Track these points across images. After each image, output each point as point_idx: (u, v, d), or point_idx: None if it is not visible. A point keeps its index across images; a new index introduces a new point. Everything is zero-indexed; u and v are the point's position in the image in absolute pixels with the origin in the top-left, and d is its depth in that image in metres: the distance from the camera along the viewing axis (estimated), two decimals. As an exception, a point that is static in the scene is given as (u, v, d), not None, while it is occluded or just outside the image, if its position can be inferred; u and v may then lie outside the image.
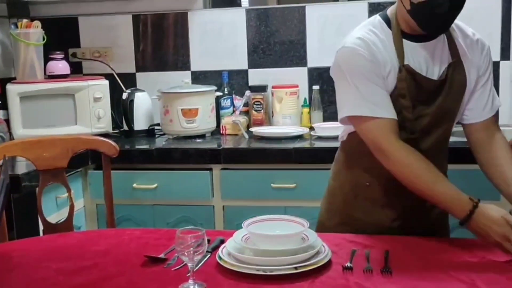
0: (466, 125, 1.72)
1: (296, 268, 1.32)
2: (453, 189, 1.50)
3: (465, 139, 2.61)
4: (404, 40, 1.57)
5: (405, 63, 1.55)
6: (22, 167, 2.25)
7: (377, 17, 1.63)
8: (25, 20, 2.86)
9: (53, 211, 2.33)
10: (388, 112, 1.54)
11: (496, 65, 2.83)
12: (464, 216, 1.45)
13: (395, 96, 1.56)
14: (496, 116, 1.70)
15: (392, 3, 2.98)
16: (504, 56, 2.81)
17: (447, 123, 1.66)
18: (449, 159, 2.33)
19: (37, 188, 2.04)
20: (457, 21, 1.65)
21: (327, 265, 1.36)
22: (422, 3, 1.48)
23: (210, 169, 2.55)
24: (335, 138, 2.23)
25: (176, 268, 1.37)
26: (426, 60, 1.59)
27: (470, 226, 1.45)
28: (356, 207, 1.71)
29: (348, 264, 1.36)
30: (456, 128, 2.87)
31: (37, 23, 2.85)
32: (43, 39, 2.86)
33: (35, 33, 2.83)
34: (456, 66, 1.60)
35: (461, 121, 1.72)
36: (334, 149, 1.85)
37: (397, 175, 1.53)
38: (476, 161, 1.73)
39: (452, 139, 2.58)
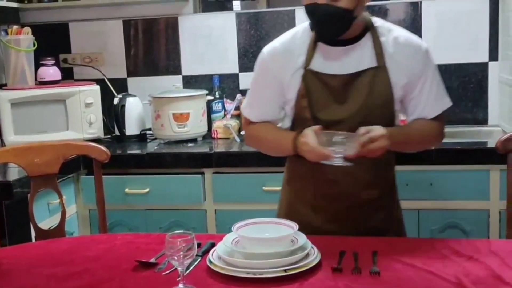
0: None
1: (285, 270, 1.33)
2: (284, 132, 1.69)
3: (454, 140, 2.65)
4: (322, 44, 1.63)
5: (313, 66, 1.63)
6: (13, 173, 2.25)
7: (307, 23, 1.69)
8: (15, 27, 2.86)
9: (45, 217, 2.34)
10: (266, 116, 1.73)
11: (484, 66, 2.86)
12: (292, 144, 1.59)
13: (298, 96, 1.64)
14: (441, 116, 1.71)
15: (379, 6, 3.02)
16: (492, 57, 2.84)
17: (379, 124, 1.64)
18: (438, 160, 2.37)
19: (28, 194, 2.04)
20: (394, 27, 1.68)
21: (316, 267, 1.37)
22: (305, 7, 1.58)
23: (202, 173, 2.56)
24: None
25: (166, 272, 1.38)
26: (343, 62, 1.62)
27: (299, 150, 1.58)
28: (294, 210, 1.74)
29: (337, 266, 1.37)
30: (448, 129, 2.90)
31: (28, 29, 2.85)
32: (34, 45, 2.87)
33: (25, 39, 2.84)
34: (378, 71, 1.61)
35: (405, 118, 1.75)
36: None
37: (251, 146, 1.82)
38: None
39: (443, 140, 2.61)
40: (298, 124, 1.67)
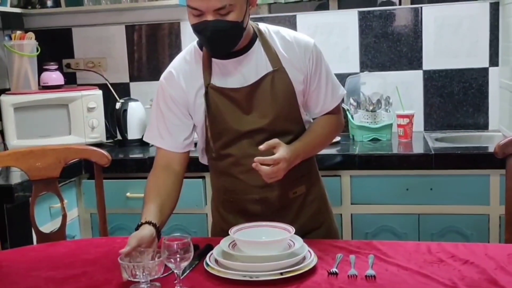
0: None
1: (281, 273, 1.34)
2: (146, 209, 1.64)
3: (455, 145, 2.65)
4: (215, 59, 1.63)
5: (214, 82, 1.63)
6: (15, 177, 2.27)
7: (193, 43, 1.70)
8: (19, 32, 2.89)
9: (46, 221, 2.35)
10: (168, 144, 1.70)
11: (484, 71, 2.87)
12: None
13: (206, 113, 1.64)
14: (338, 106, 1.76)
15: (380, 11, 3.03)
16: (492, 62, 2.85)
17: (291, 129, 1.67)
18: (438, 165, 2.38)
19: (30, 198, 2.06)
20: (280, 28, 1.70)
21: (313, 270, 1.38)
22: (193, 27, 1.56)
23: (203, 177, 2.57)
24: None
25: (163, 275, 1.39)
26: (242, 73, 1.63)
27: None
28: (226, 223, 1.73)
29: (333, 270, 1.38)
30: (440, 134, 2.92)
31: (31, 34, 2.88)
32: (37, 50, 2.89)
33: (29, 44, 2.86)
34: (276, 73, 1.63)
35: (311, 117, 1.77)
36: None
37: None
38: None
39: (439, 144, 2.63)
40: (214, 140, 1.68)
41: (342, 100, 1.79)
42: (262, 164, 1.51)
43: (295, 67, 1.65)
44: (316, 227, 1.76)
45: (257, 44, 1.65)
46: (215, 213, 1.85)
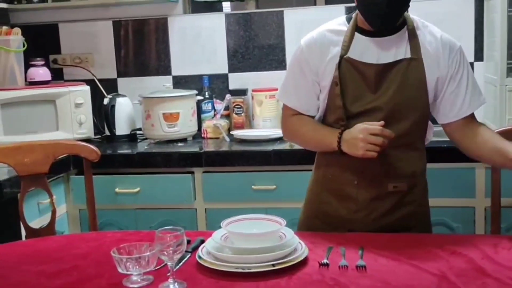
0: (446, 125, 1.77)
1: (273, 265, 1.36)
2: (327, 129, 1.71)
3: (440, 139, 2.68)
4: (358, 34, 1.69)
5: (350, 55, 1.67)
6: (3, 173, 2.26)
7: (343, 16, 1.78)
8: (4, 27, 2.86)
9: (35, 216, 2.34)
10: (302, 106, 1.77)
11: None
12: (337, 140, 1.64)
13: (332, 84, 1.68)
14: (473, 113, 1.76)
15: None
16: (477, 57, 2.88)
17: (409, 118, 1.68)
18: (428, 158, 2.40)
19: (18, 194, 2.05)
20: (430, 24, 1.72)
21: (304, 262, 1.40)
22: (362, 1, 1.62)
23: (192, 173, 2.58)
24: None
25: (156, 268, 1.40)
26: (379, 53, 1.67)
27: (344, 147, 1.63)
28: (322, 200, 1.78)
29: (324, 261, 1.40)
30: (435, 128, 2.94)
31: (17, 30, 2.85)
32: (24, 46, 2.87)
33: (15, 40, 2.84)
34: (413, 62, 1.66)
35: (440, 121, 1.78)
36: (313, 151, 1.89)
37: (290, 140, 1.97)
38: (468, 155, 1.79)
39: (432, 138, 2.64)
40: (330, 113, 1.73)
41: None
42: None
43: (434, 63, 1.67)
44: (407, 228, 1.72)
45: (404, 30, 1.68)
46: (311, 191, 1.84)
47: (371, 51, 1.67)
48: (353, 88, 1.67)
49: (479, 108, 1.78)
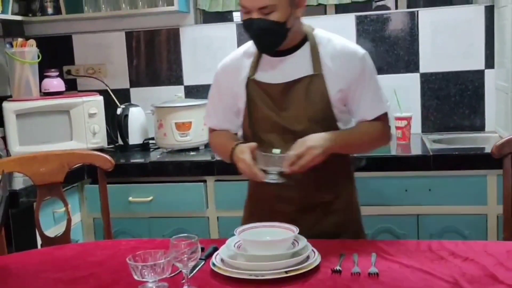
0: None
1: (286, 272, 1.37)
2: (229, 142, 1.75)
3: (452, 146, 2.69)
4: (265, 55, 1.75)
5: (257, 76, 1.75)
6: (19, 182, 2.30)
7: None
8: (20, 39, 2.92)
9: (50, 225, 2.37)
10: (221, 126, 1.86)
11: (480, 74, 2.91)
12: (230, 156, 1.70)
13: (247, 102, 1.76)
14: (382, 117, 1.77)
15: (377, 15, 3.07)
16: (488, 64, 2.89)
17: (317, 131, 1.67)
18: (436, 166, 2.41)
19: (34, 203, 2.08)
20: (333, 36, 1.76)
21: (317, 269, 1.41)
22: (242, 23, 1.68)
23: (204, 181, 2.60)
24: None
25: (171, 275, 1.42)
26: (284, 72, 1.72)
27: (236, 164, 1.68)
28: (255, 217, 1.77)
29: (337, 268, 1.41)
30: (438, 136, 2.96)
31: (32, 41, 2.91)
32: (38, 57, 2.92)
33: (30, 51, 2.89)
34: (314, 78, 1.70)
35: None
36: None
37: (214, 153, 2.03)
38: None
39: (437, 146, 2.67)
40: (249, 132, 1.79)
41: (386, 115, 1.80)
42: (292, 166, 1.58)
43: (337, 76, 1.70)
44: (338, 234, 1.75)
45: (306, 46, 1.73)
46: (246, 209, 1.92)
47: (278, 71, 1.72)
48: (262, 108, 1.73)
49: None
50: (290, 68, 1.72)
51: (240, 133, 1.86)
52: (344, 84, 1.70)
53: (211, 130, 1.93)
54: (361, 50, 1.74)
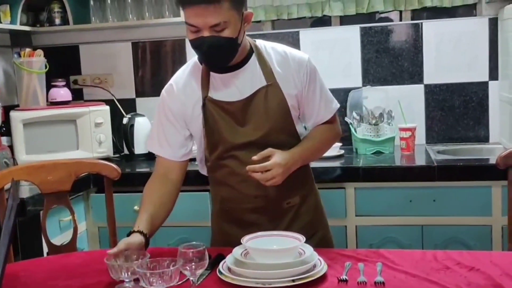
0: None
1: (293, 280, 1.38)
2: (141, 214, 1.74)
3: (457, 157, 2.70)
4: (213, 73, 1.71)
5: (212, 95, 1.71)
6: (26, 191, 2.31)
7: (194, 58, 1.78)
8: (27, 49, 2.95)
9: (56, 234, 2.38)
10: (167, 153, 1.79)
11: (484, 85, 2.93)
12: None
13: (204, 122, 1.72)
14: (333, 117, 1.83)
15: (381, 27, 3.09)
16: (492, 76, 2.91)
17: (281, 140, 1.71)
18: (441, 177, 2.42)
19: (41, 211, 2.09)
20: (276, 44, 1.78)
21: (323, 278, 1.42)
22: (191, 42, 1.63)
23: (209, 190, 2.60)
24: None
25: (179, 283, 1.43)
26: (237, 87, 1.71)
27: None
28: (225, 232, 1.83)
29: (343, 277, 1.42)
30: (442, 147, 2.97)
31: (40, 52, 2.94)
32: (46, 67, 2.95)
33: (37, 61, 2.92)
34: (269, 88, 1.70)
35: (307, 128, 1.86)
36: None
37: None
38: None
39: (442, 157, 2.68)
40: (210, 151, 1.76)
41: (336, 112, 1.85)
42: (255, 172, 1.60)
43: (289, 82, 1.72)
44: (308, 236, 1.74)
45: (253, 59, 1.72)
46: (214, 224, 1.91)
47: (233, 87, 1.71)
48: (225, 125, 1.71)
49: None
50: (244, 82, 1.71)
51: (199, 156, 1.83)
52: (296, 88, 1.73)
53: (157, 166, 1.84)
54: (304, 55, 1.77)
